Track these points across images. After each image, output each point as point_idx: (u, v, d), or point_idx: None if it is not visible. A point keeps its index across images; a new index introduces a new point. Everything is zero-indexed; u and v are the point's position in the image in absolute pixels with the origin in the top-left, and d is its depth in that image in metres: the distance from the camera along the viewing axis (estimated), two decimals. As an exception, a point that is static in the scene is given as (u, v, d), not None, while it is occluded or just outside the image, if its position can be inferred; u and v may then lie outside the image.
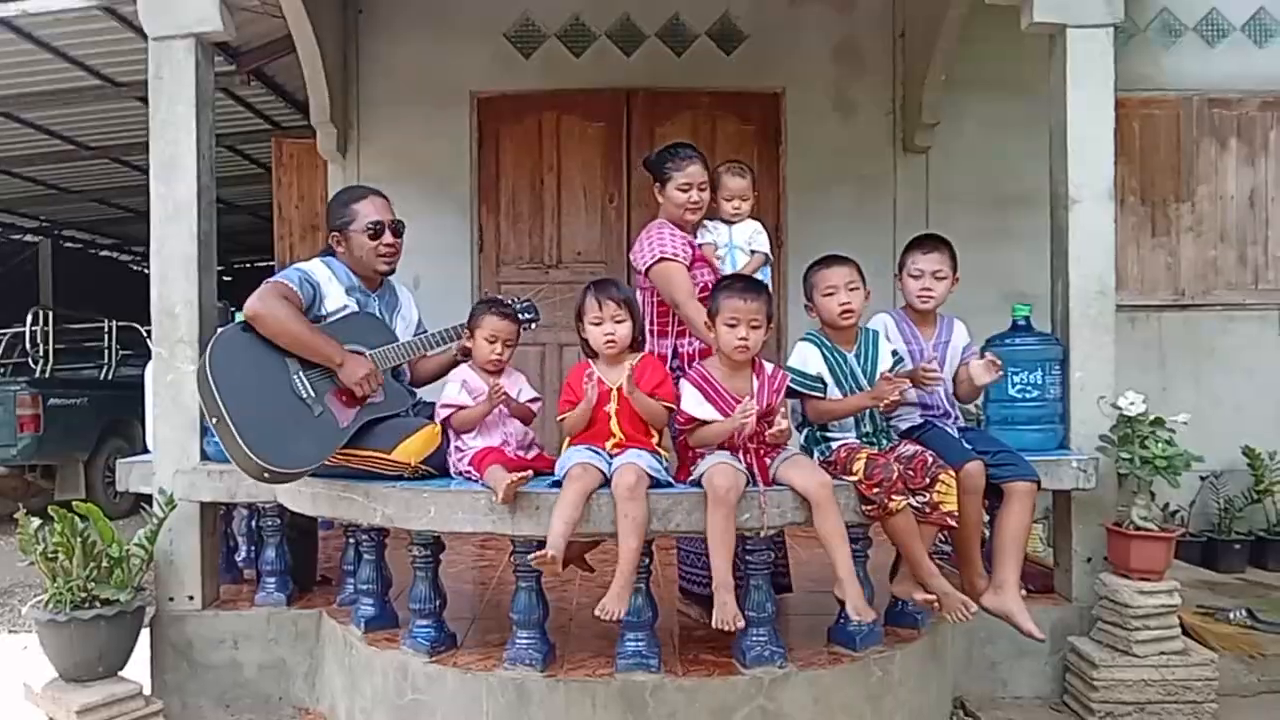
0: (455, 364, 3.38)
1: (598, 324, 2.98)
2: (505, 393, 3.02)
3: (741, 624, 2.77)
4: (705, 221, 3.39)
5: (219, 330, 3.16)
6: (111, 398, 7.96)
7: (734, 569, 2.85)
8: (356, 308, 3.24)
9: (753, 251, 3.36)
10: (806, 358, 3.05)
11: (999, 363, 3.10)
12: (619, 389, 2.93)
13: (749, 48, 5.98)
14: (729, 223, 3.41)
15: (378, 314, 3.32)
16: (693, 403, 2.90)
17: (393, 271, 3.39)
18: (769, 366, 3.00)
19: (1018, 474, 3.09)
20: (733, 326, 2.86)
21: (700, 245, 3.34)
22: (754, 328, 2.87)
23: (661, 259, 3.22)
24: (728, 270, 3.29)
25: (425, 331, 3.42)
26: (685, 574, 3.52)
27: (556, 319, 5.76)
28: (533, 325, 3.39)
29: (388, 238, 3.30)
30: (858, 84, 6.01)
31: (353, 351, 3.11)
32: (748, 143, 5.99)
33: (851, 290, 3.06)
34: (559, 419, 3.02)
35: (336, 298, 3.20)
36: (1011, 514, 3.08)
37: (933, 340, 3.30)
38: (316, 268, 3.26)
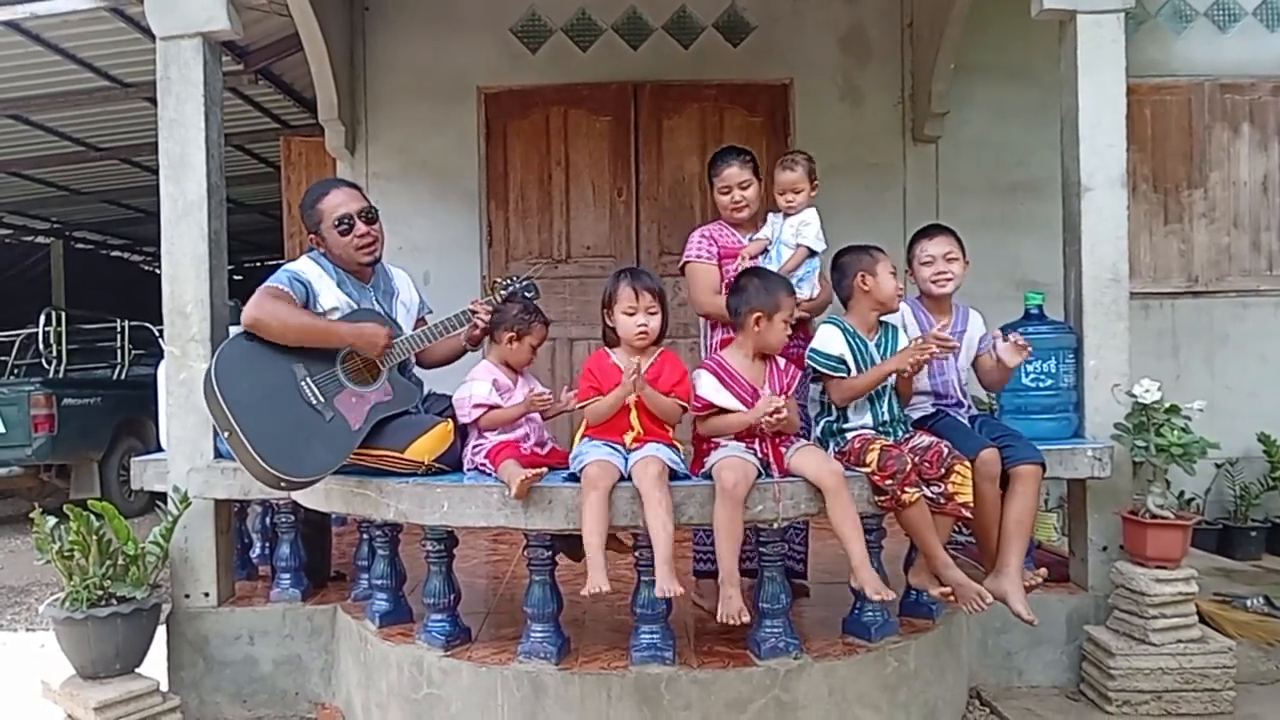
0: (463, 349, 3.38)
1: (631, 314, 2.96)
2: (547, 400, 3.07)
3: (747, 619, 2.75)
4: (770, 215, 3.47)
5: (221, 345, 3.13)
6: (125, 397, 8.01)
7: (748, 558, 2.84)
8: (352, 303, 3.18)
9: (798, 246, 3.35)
10: (828, 339, 3.04)
11: (1024, 342, 3.10)
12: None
13: (756, 39, 5.96)
14: (786, 215, 3.43)
15: (376, 306, 3.25)
16: (710, 389, 2.91)
17: (377, 260, 3.30)
18: (781, 360, 3.02)
19: (1022, 457, 3.07)
20: (787, 323, 2.93)
21: (753, 239, 3.41)
22: (786, 323, 2.94)
23: (686, 263, 3.44)
24: (773, 265, 3.31)
25: (430, 312, 3.41)
26: (699, 554, 3.53)
27: (567, 313, 5.77)
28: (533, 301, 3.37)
29: (360, 228, 3.19)
30: (866, 74, 5.98)
31: (354, 350, 3.10)
32: (756, 134, 5.96)
33: (950, 260, 3.23)
34: (579, 405, 3.02)
35: (330, 294, 3.15)
36: (1016, 498, 3.06)
37: (948, 330, 3.28)
38: (306, 265, 3.21)
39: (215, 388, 2.89)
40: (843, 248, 3.19)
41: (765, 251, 3.37)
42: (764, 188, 3.52)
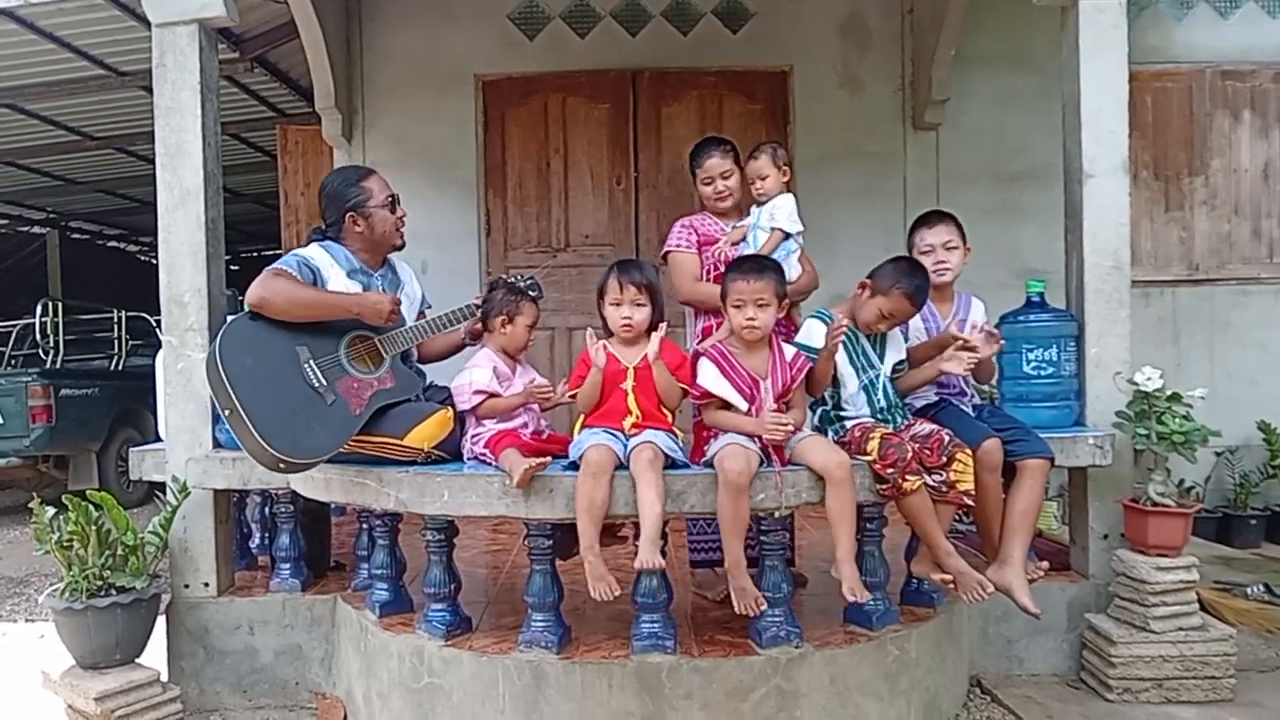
0: (463, 344, 3.36)
1: (616, 305, 2.97)
2: (547, 392, 3.05)
3: (764, 606, 2.79)
4: (754, 206, 3.48)
5: (227, 321, 3.14)
6: (122, 387, 8.01)
7: (748, 547, 2.84)
8: (361, 291, 3.20)
9: (772, 230, 3.35)
10: (811, 332, 3.05)
11: (996, 333, 3.11)
12: (635, 367, 2.92)
13: (755, 25, 5.93)
14: (759, 203, 3.45)
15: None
16: (710, 377, 2.89)
17: (404, 245, 3.40)
18: (789, 350, 2.99)
19: (1030, 450, 3.07)
20: (739, 308, 2.88)
21: (734, 227, 3.44)
22: (761, 306, 2.87)
23: (667, 253, 3.50)
24: (751, 251, 3.31)
25: (429, 307, 3.41)
26: (694, 544, 3.53)
27: (565, 303, 5.75)
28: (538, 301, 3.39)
29: (400, 210, 3.34)
30: (866, 61, 5.96)
31: (358, 336, 3.10)
32: (755, 122, 5.95)
33: (949, 250, 3.24)
34: (570, 395, 3.02)
35: (338, 281, 3.17)
36: (1023, 490, 3.06)
37: (948, 318, 3.28)
38: (315, 253, 3.23)
39: (219, 364, 2.88)
40: (895, 256, 3.12)
41: (744, 239, 3.39)
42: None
